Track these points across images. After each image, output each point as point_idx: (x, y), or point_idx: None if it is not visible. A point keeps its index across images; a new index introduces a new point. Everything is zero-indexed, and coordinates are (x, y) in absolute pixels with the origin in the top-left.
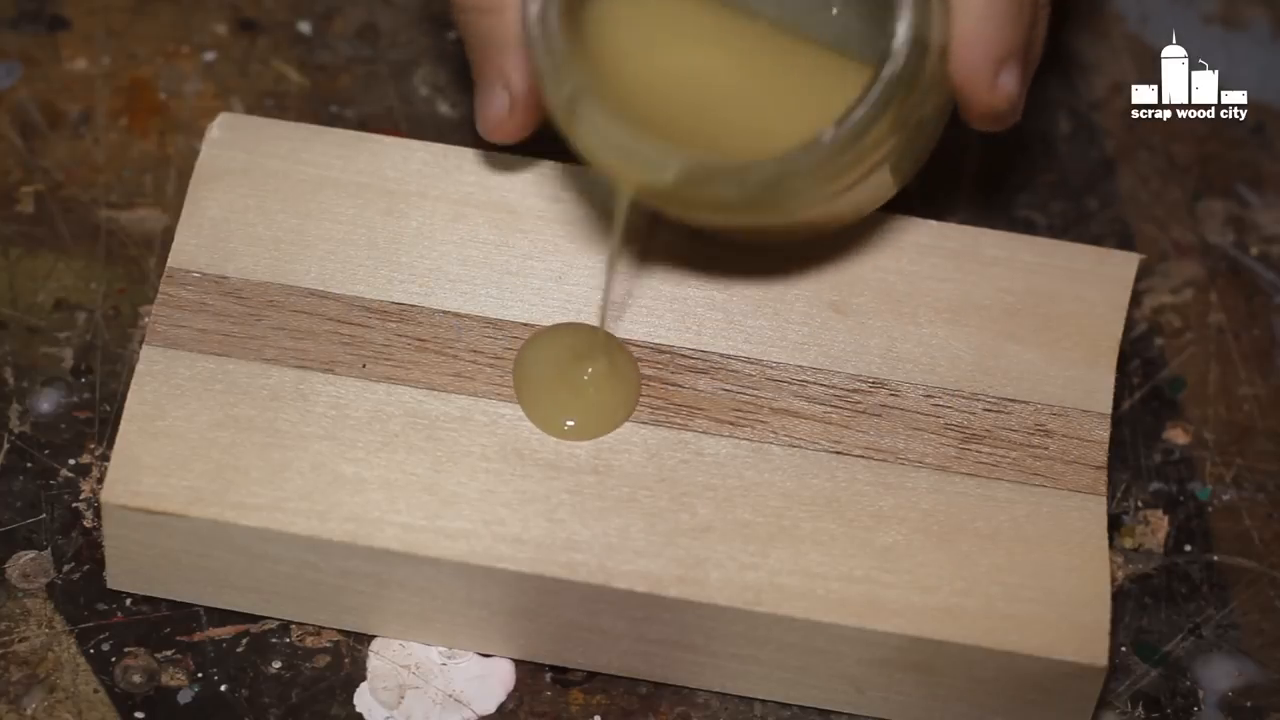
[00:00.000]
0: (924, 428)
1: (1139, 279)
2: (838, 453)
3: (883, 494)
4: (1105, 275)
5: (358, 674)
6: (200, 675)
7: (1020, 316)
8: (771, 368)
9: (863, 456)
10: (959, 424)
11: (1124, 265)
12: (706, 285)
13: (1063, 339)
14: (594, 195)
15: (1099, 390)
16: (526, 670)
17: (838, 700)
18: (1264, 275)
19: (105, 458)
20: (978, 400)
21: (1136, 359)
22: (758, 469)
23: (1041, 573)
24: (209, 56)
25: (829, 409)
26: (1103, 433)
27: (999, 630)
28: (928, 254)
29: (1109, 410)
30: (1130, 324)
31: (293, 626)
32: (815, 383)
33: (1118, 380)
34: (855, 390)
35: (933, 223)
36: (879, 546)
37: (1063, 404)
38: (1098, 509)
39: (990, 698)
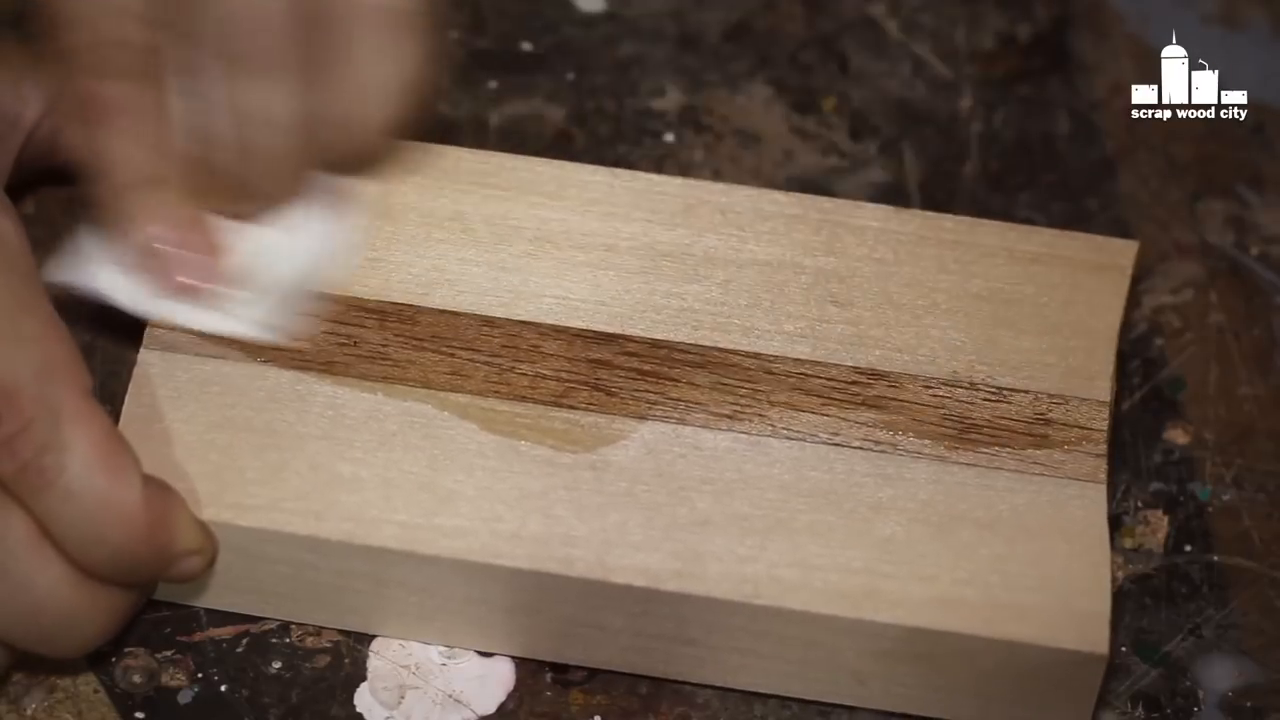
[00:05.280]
0: (923, 418)
1: (1139, 280)
2: (836, 445)
3: (881, 485)
4: (1104, 263)
5: (358, 674)
6: (200, 675)
7: (1019, 305)
8: (769, 361)
9: (861, 448)
10: (958, 414)
11: (1122, 253)
12: (703, 279)
13: (1062, 327)
14: (593, 194)
15: (1099, 378)
16: (527, 670)
17: (840, 693)
18: (1264, 275)
19: None
20: (977, 390)
21: (1136, 359)
22: (755, 462)
23: (1041, 561)
24: None
25: (827, 401)
26: (1102, 420)
27: (999, 620)
28: (926, 244)
29: (1109, 398)
30: (1130, 324)
31: (293, 627)
32: (813, 375)
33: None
34: (854, 382)
35: (930, 213)
36: (878, 538)
37: (1062, 392)
38: (1097, 497)
39: (992, 688)
